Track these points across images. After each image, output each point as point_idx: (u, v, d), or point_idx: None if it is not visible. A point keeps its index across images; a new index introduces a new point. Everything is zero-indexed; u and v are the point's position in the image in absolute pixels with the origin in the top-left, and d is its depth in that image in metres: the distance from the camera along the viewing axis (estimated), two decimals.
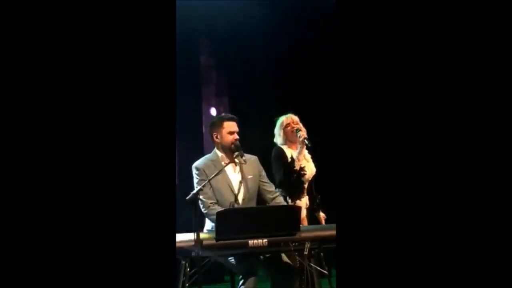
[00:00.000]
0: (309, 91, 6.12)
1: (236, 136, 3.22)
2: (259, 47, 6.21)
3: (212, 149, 3.34)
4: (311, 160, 3.75)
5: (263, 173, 3.32)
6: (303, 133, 3.64)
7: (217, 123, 3.29)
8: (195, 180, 3.18)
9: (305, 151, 3.71)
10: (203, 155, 3.40)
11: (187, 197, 2.76)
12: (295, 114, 3.82)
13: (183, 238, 2.71)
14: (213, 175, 2.99)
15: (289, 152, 3.69)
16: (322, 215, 3.71)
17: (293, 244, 2.80)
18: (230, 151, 3.21)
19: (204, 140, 6.15)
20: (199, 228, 3.20)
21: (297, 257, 2.97)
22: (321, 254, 2.92)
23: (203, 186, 2.95)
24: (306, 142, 3.60)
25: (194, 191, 2.82)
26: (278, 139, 3.76)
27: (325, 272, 2.94)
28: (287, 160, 3.62)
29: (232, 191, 3.19)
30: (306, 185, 3.68)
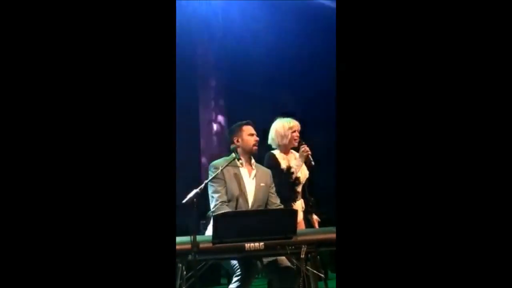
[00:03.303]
0: (310, 94, 6.13)
1: (256, 138, 3.40)
2: (258, 51, 6.22)
3: (211, 152, 3.38)
4: (303, 164, 3.76)
5: (273, 185, 3.46)
6: (307, 148, 3.67)
7: (236, 129, 3.47)
8: (209, 177, 3.23)
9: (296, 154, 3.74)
10: (199, 157, 3.43)
11: (183, 201, 2.77)
12: (295, 117, 3.84)
13: (180, 241, 2.71)
14: (224, 166, 3.15)
15: (282, 158, 3.69)
16: (315, 217, 3.72)
17: (290, 247, 2.81)
18: (249, 153, 3.38)
19: (201, 142, 6.16)
20: (199, 229, 3.23)
21: (294, 261, 2.97)
22: (318, 257, 2.92)
23: (203, 186, 2.97)
24: (311, 159, 3.66)
25: (191, 195, 2.81)
26: (280, 140, 3.74)
27: (322, 275, 2.95)
28: (281, 168, 3.63)
29: (245, 194, 3.27)
30: (300, 190, 3.69)
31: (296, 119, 3.82)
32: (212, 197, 3.23)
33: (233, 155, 3.33)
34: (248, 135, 3.40)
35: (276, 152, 3.72)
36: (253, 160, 3.40)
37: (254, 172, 3.38)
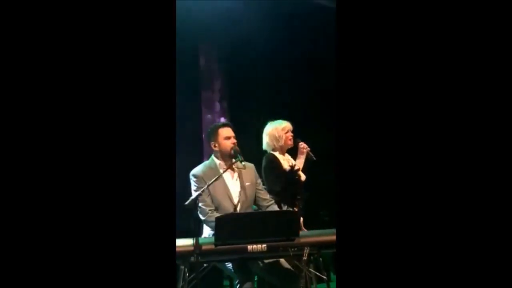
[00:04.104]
0: (309, 97, 6.12)
1: (234, 141, 3.22)
2: (259, 52, 6.21)
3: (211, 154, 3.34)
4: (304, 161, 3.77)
5: (259, 180, 3.35)
6: (305, 145, 3.67)
7: (212, 132, 3.30)
8: (193, 188, 3.17)
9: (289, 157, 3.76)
10: (202, 160, 3.40)
11: (185, 203, 2.77)
12: (293, 119, 3.84)
13: (182, 243, 2.71)
14: (211, 181, 3.00)
15: (282, 159, 3.69)
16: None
17: (292, 249, 2.80)
18: (230, 157, 3.22)
19: (204, 145, 6.15)
20: (200, 231, 3.22)
21: (296, 262, 2.97)
22: (320, 259, 2.93)
23: (202, 192, 2.97)
24: (311, 155, 3.65)
25: (193, 197, 2.82)
26: (276, 142, 3.74)
27: (324, 277, 2.95)
28: (284, 168, 3.62)
29: (230, 198, 3.20)
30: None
31: (293, 119, 3.82)
32: (200, 207, 3.11)
33: (213, 158, 3.26)
34: (224, 138, 3.21)
35: (276, 153, 3.72)
36: (235, 159, 3.18)
37: (236, 173, 3.25)
